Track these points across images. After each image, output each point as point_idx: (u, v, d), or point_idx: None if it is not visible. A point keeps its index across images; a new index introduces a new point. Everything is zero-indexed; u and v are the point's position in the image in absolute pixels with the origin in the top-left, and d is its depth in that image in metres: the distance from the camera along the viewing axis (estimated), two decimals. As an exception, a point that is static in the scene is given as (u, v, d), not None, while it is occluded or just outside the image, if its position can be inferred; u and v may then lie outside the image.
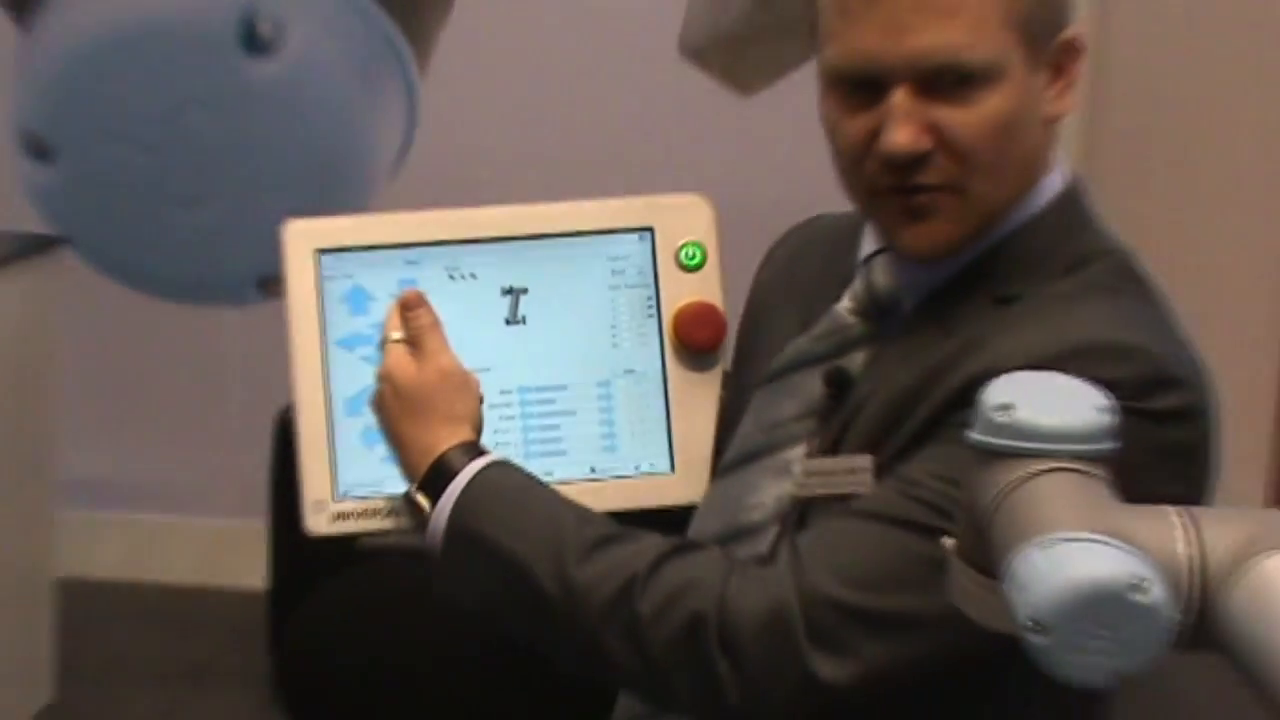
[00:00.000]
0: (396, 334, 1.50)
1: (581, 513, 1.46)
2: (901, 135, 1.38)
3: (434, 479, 1.46)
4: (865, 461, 1.42)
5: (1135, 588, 0.91)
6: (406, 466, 1.50)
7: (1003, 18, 1.38)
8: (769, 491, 1.51)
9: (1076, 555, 0.93)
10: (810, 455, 1.48)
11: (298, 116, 4.31)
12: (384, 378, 1.50)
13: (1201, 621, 0.94)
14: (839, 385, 1.48)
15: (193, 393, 4.69)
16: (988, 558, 1.05)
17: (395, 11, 4.36)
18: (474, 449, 1.48)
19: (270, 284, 4.21)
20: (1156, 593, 0.91)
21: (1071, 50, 1.46)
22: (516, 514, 1.44)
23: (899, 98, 1.39)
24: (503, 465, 1.48)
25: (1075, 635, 0.92)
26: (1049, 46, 1.44)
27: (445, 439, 1.47)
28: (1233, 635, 0.92)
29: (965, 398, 1.23)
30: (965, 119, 1.39)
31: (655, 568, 1.38)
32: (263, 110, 4.28)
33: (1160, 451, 1.33)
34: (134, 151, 4.33)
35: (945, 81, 1.39)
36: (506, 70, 4.56)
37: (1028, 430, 1.03)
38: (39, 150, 4.30)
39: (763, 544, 1.49)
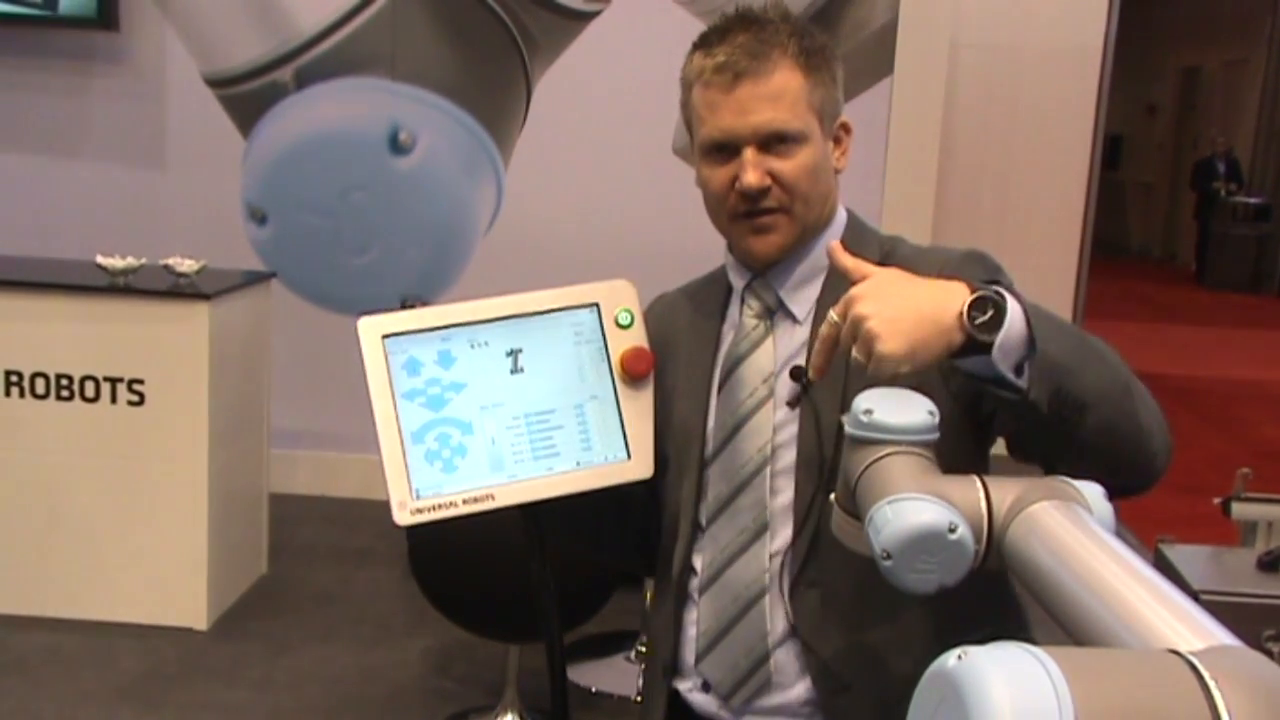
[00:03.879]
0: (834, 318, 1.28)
1: None
2: (753, 176, 1.46)
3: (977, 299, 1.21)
4: None
5: (950, 529, 0.96)
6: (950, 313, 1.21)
7: (806, 104, 1.47)
8: (749, 450, 1.52)
9: (912, 508, 0.97)
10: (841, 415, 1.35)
11: (425, 196, 4.72)
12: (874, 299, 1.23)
13: (991, 549, 0.98)
14: (802, 375, 1.50)
15: (357, 372, 4.63)
16: (856, 508, 1.07)
17: (488, 126, 4.68)
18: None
19: (408, 302, 4.60)
20: (963, 532, 0.97)
21: (844, 129, 1.55)
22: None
23: (749, 154, 1.46)
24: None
25: (911, 560, 0.97)
26: (832, 125, 1.52)
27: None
28: (1010, 558, 0.96)
29: None
30: (788, 165, 1.47)
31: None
32: (403, 191, 4.71)
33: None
34: (318, 218, 4.75)
35: (774, 142, 1.46)
36: (557, 164, 4.74)
37: (882, 426, 1.07)
38: (257, 217, 4.76)
39: (759, 489, 1.50)
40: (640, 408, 1.58)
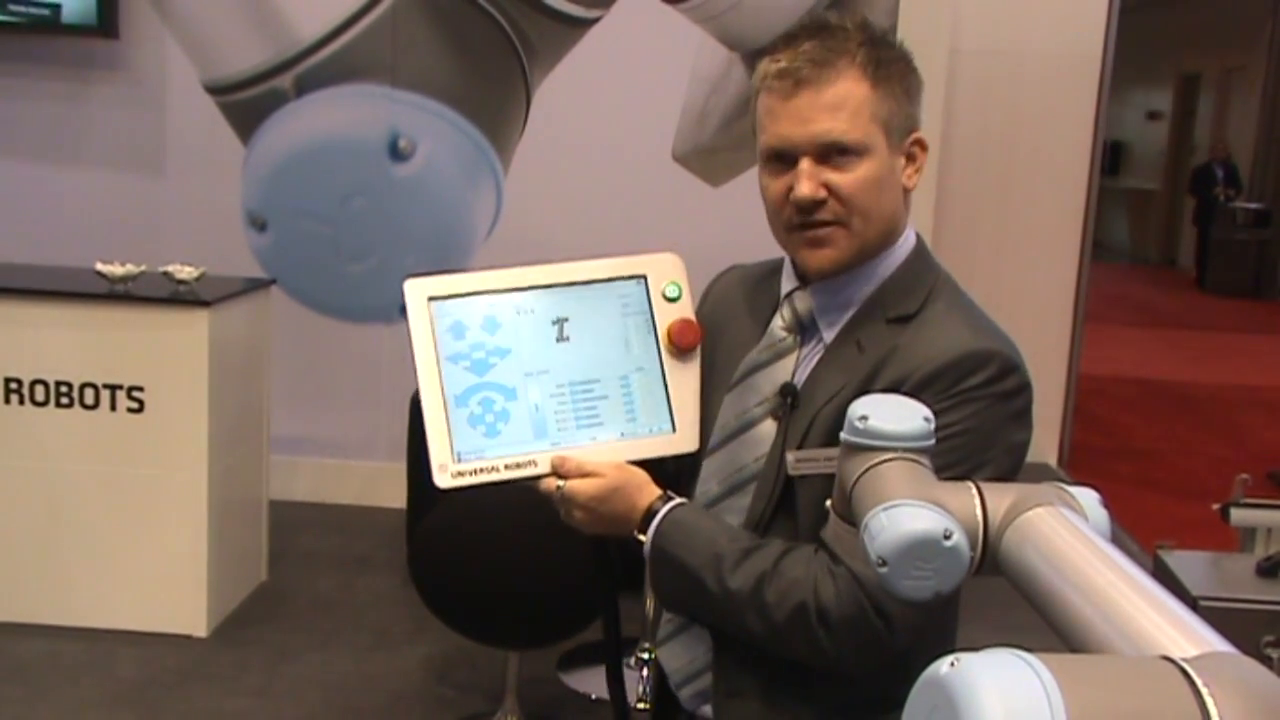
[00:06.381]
0: (558, 483, 1.50)
1: (729, 532, 1.48)
2: (806, 188, 1.43)
3: (644, 523, 1.48)
4: (835, 450, 1.30)
5: (945, 536, 0.95)
6: (625, 530, 1.50)
7: (870, 115, 1.43)
8: (747, 457, 1.52)
9: (907, 515, 0.97)
10: (789, 448, 1.47)
11: (425, 202, 4.76)
12: (579, 504, 1.49)
13: (987, 556, 0.98)
14: (790, 394, 1.50)
15: (357, 379, 4.94)
16: (851, 515, 1.07)
17: (487, 132, 4.71)
18: (664, 499, 1.50)
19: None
20: (959, 539, 0.96)
21: (920, 145, 1.51)
22: (690, 539, 1.47)
23: (804, 164, 1.43)
24: (680, 506, 1.49)
25: (907, 567, 0.95)
26: (904, 141, 1.48)
27: (645, 501, 1.49)
28: (1006, 564, 0.96)
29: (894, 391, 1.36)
30: (846, 178, 1.43)
31: (776, 566, 1.42)
32: (402, 198, 4.75)
33: (1013, 415, 1.41)
34: (318, 225, 4.79)
35: (832, 153, 1.43)
36: (556, 171, 4.76)
37: (877, 433, 1.06)
38: (257, 224, 4.81)
39: (748, 496, 1.52)
40: (687, 381, 1.58)
